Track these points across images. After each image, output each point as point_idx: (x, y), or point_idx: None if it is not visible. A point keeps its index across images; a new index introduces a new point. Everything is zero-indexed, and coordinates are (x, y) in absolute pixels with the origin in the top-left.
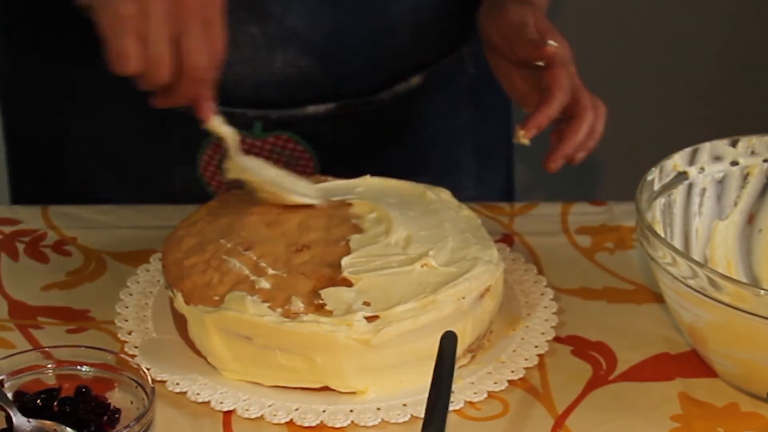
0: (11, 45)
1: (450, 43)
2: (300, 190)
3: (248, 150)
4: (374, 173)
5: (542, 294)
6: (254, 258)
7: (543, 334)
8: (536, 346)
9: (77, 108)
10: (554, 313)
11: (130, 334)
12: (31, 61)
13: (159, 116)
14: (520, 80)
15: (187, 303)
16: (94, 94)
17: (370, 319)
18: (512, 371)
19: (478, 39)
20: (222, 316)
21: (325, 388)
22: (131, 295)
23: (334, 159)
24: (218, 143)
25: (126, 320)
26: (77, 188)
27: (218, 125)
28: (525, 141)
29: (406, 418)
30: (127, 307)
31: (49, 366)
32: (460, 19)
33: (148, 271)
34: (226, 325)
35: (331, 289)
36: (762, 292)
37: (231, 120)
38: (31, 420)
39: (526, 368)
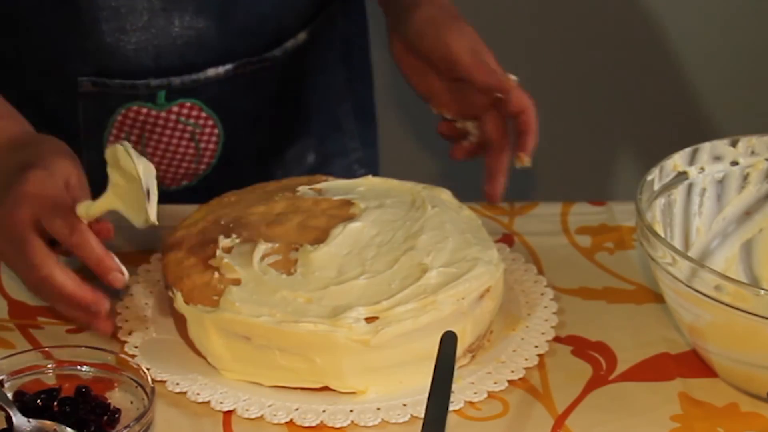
0: None
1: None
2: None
3: (154, 122)
4: (273, 136)
5: (542, 294)
6: None
7: (543, 334)
8: (536, 346)
9: None
10: (554, 313)
11: (130, 334)
12: None
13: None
14: (438, 84)
15: (187, 303)
16: None
17: (369, 320)
18: (512, 371)
19: None
20: (221, 317)
21: (325, 388)
22: (131, 295)
23: (236, 124)
24: (123, 122)
25: (126, 320)
26: None
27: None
28: (528, 164)
29: (406, 418)
30: (127, 307)
31: (49, 366)
32: None
33: (148, 271)
34: (225, 325)
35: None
36: (762, 292)
37: (135, 92)
38: (31, 420)
39: (526, 368)
